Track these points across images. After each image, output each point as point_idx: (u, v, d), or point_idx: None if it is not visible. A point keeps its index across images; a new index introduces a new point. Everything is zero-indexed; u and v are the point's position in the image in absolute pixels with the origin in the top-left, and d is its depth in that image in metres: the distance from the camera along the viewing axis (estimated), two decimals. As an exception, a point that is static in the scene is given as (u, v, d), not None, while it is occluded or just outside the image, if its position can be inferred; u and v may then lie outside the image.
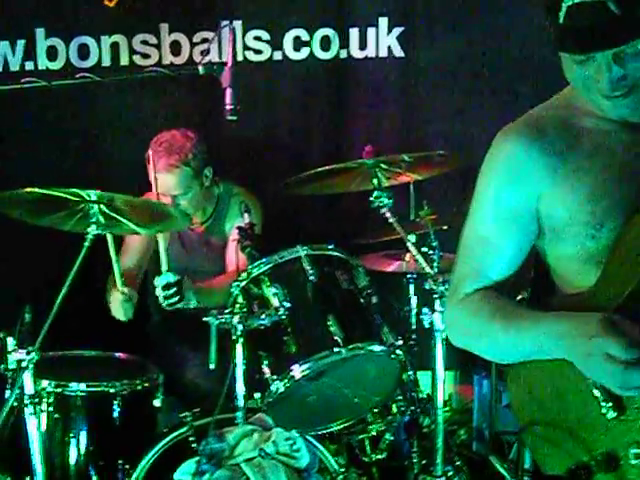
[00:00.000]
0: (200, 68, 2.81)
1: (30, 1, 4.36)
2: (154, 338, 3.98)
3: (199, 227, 3.95)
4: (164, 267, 3.37)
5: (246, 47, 4.39)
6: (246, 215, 3.34)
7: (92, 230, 3.01)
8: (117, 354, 3.51)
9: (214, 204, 3.95)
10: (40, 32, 4.33)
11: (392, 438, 3.48)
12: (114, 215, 3.09)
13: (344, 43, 4.41)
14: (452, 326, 2.16)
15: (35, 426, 2.79)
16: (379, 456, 3.46)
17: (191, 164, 3.69)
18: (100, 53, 4.37)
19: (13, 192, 2.98)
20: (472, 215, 2.12)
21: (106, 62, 4.38)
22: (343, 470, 3.15)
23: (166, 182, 3.64)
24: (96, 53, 4.37)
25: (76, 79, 2.75)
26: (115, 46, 4.37)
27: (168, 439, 3.08)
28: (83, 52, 4.36)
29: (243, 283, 3.11)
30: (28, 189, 2.96)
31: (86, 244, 2.99)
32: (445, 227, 3.62)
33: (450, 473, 3.28)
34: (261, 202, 3.90)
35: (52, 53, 4.35)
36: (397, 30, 4.38)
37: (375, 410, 3.33)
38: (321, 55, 4.42)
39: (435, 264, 3.31)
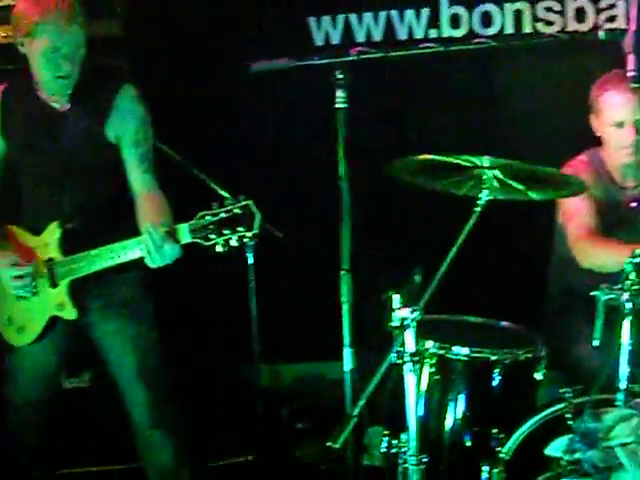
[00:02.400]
0: (601, 33, 2.71)
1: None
2: (547, 311, 3.91)
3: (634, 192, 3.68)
4: None
5: (656, 14, 4.16)
6: None
7: (484, 195, 3.01)
8: (502, 322, 3.47)
9: None
10: (444, 0, 4.43)
11: None
12: (509, 182, 3.06)
13: None
14: None
15: (413, 384, 2.86)
16: None
17: None
18: (503, 20, 4.39)
19: (406, 159, 3.05)
20: None
21: (509, 29, 4.40)
22: None
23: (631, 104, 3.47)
24: (499, 20, 4.39)
25: (471, 44, 2.77)
26: (518, 13, 4.37)
27: (544, 413, 3.02)
28: (486, 20, 4.41)
29: (638, 259, 2.96)
30: (421, 156, 3.01)
31: (477, 209, 2.99)
32: None
33: None
34: None
35: (455, 21, 4.44)
36: None
37: None
38: None
39: None
